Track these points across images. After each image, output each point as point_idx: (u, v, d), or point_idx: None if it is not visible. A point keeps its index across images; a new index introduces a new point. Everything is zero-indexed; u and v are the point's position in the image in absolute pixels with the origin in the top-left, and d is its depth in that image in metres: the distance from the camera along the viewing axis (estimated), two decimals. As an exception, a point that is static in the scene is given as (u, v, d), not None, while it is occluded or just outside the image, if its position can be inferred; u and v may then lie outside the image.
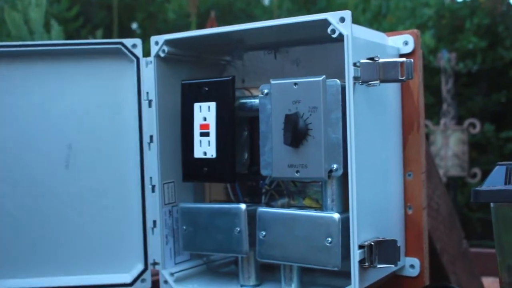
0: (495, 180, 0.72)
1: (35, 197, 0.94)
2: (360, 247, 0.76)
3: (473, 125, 3.16)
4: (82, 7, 3.08)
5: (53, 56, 0.94)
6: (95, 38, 2.28)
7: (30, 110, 0.94)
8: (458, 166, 3.10)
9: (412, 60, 0.78)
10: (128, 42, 0.94)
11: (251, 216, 0.85)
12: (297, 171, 0.80)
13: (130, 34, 3.60)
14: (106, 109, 0.95)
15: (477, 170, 3.14)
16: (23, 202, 0.93)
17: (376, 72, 0.76)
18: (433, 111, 3.33)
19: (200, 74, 0.97)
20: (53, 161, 0.94)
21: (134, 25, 3.84)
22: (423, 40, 3.02)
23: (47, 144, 0.94)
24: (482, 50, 3.20)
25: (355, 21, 0.80)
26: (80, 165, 0.94)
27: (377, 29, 0.91)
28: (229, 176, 0.88)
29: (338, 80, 0.78)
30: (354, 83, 0.76)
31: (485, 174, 0.75)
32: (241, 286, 0.90)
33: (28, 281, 0.93)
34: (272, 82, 0.83)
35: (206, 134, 0.88)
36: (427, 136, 3.14)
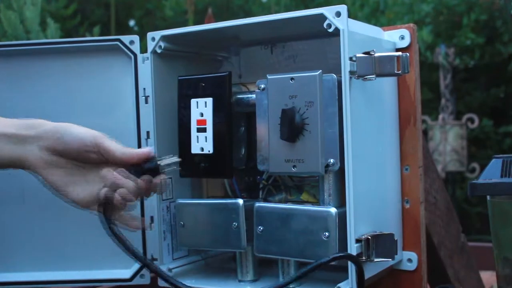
0: (492, 173, 0.72)
1: (38, 192, 0.93)
2: (357, 241, 0.77)
3: (471, 120, 3.17)
4: (80, 4, 3.08)
5: (50, 54, 0.94)
6: (92, 35, 2.28)
7: (28, 108, 0.94)
8: (456, 161, 3.10)
9: (408, 54, 0.78)
10: (125, 38, 0.94)
11: (249, 211, 0.85)
12: (294, 166, 0.80)
13: (128, 31, 3.60)
14: (103, 106, 0.95)
15: (475, 165, 3.14)
16: (25, 199, 0.93)
17: (372, 66, 0.76)
18: (431, 107, 3.33)
19: (197, 70, 0.97)
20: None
21: (132, 23, 3.84)
22: (421, 36, 3.02)
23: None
24: (480, 46, 3.20)
25: (353, 16, 0.80)
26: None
27: (375, 24, 0.90)
28: (227, 172, 0.88)
29: (334, 75, 0.79)
30: (350, 78, 0.76)
31: (484, 169, 0.75)
32: (239, 281, 0.90)
33: (31, 274, 0.94)
34: (269, 77, 0.83)
35: (203, 130, 0.88)
36: (426, 132, 3.14)
